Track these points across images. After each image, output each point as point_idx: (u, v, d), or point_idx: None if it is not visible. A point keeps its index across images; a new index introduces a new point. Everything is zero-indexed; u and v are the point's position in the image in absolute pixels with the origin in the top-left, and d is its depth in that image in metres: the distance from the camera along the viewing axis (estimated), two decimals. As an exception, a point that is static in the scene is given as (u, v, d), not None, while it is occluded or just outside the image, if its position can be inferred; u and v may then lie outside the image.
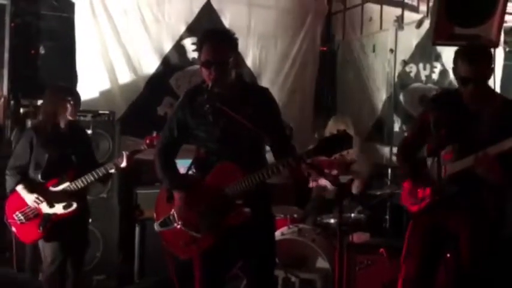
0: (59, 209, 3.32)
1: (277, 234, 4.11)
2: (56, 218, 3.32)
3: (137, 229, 4.47)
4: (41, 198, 3.29)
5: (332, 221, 4.28)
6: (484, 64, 2.65)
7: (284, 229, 4.16)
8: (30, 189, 3.31)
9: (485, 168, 2.52)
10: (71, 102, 3.39)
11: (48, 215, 3.30)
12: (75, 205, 3.34)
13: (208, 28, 3.26)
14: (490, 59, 2.69)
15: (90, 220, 3.71)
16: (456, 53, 2.72)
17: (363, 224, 4.33)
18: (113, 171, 3.40)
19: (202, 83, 2.67)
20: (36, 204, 3.29)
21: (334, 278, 2.91)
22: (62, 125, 3.40)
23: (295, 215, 4.44)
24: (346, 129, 2.52)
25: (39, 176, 3.33)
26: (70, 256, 3.41)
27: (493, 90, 2.96)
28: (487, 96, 2.71)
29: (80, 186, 3.34)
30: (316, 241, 3.95)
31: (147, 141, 3.39)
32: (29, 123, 4.23)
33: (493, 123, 2.62)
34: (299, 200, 4.84)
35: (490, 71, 2.68)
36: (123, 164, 3.38)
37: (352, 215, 4.27)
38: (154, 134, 3.36)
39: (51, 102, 3.44)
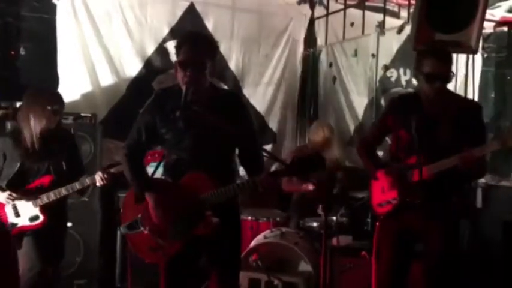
0: (24, 220, 3.14)
1: (260, 237, 4.12)
2: (21, 229, 3.12)
3: (118, 233, 4.43)
4: (14, 194, 3.10)
5: (315, 224, 4.31)
6: (450, 63, 2.71)
7: (267, 232, 4.17)
8: (1, 189, 3.14)
9: (470, 168, 2.59)
10: (51, 110, 3.16)
11: (13, 224, 3.13)
12: (42, 218, 3.14)
13: (188, 30, 3.21)
14: (452, 61, 2.74)
15: (69, 224, 3.59)
16: (420, 52, 2.77)
17: (345, 227, 4.36)
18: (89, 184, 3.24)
19: (174, 85, 2.58)
20: (9, 201, 3.10)
21: (319, 281, 2.92)
22: (40, 132, 3.16)
23: (278, 218, 4.45)
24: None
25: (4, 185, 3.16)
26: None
27: (452, 92, 3.06)
28: (447, 97, 2.78)
29: (50, 199, 3.15)
30: (299, 244, 3.96)
31: None
32: (8, 125, 4.16)
33: (454, 125, 2.68)
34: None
35: (452, 73, 2.72)
36: (99, 183, 3.21)
37: (335, 218, 4.30)
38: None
39: (28, 108, 3.19)
